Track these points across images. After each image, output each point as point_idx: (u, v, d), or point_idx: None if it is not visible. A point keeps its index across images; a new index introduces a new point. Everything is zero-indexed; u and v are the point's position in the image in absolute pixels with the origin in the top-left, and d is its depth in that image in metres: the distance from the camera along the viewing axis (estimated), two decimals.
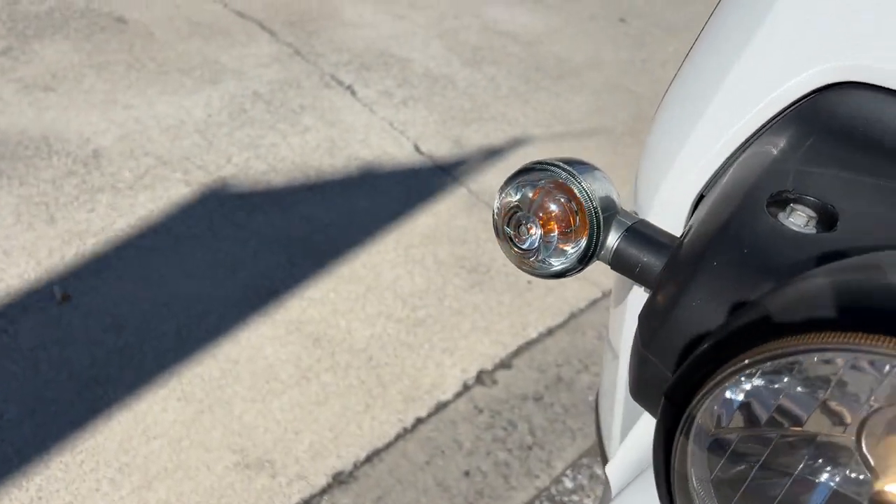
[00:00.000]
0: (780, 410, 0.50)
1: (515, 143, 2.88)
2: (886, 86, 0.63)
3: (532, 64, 3.48)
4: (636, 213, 0.86)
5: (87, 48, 2.72)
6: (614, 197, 0.64)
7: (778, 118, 0.68)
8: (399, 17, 3.58)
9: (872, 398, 0.48)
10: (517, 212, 0.63)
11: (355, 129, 2.66)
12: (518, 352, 2.01)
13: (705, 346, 0.45)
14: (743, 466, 0.52)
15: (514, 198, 0.63)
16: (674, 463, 0.50)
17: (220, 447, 1.62)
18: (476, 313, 2.09)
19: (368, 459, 1.68)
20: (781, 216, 0.56)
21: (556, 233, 0.61)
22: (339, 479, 1.63)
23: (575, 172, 0.62)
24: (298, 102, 2.71)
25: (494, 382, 1.92)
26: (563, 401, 1.93)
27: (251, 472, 1.59)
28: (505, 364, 1.97)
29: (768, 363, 0.44)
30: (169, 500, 1.51)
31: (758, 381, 0.48)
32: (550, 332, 2.09)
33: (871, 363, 0.46)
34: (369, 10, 3.57)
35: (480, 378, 1.92)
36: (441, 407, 1.83)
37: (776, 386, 0.48)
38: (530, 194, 0.63)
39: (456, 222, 2.37)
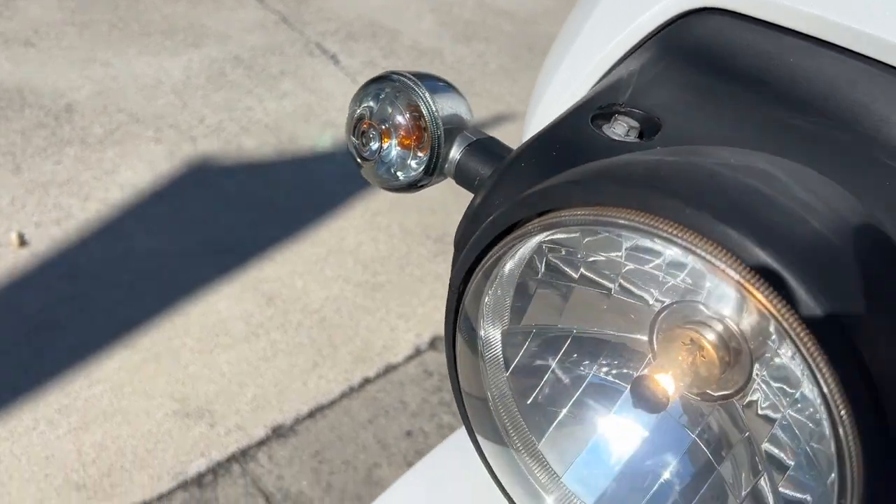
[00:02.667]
0: (572, 296, 0.50)
1: (499, 119, 2.88)
2: (746, 13, 0.63)
3: (524, 42, 3.46)
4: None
5: (72, 6, 2.73)
6: (463, 114, 0.64)
7: (644, 43, 0.68)
8: None
9: (658, 294, 0.47)
10: (362, 120, 0.63)
11: (334, 97, 2.66)
12: None
13: (476, 232, 0.45)
14: (537, 366, 0.52)
15: (362, 108, 0.63)
16: (457, 348, 0.51)
17: (162, 395, 1.63)
18: (437, 282, 2.09)
19: (311, 415, 1.69)
20: (605, 127, 0.56)
21: (392, 143, 0.61)
22: (279, 433, 1.64)
23: (421, 85, 0.62)
24: (279, 69, 2.71)
25: None
26: None
27: (190, 420, 1.60)
28: None
29: (540, 234, 0.43)
30: (104, 442, 1.52)
31: (541, 264, 0.48)
32: None
33: (648, 249, 0.45)
34: None
35: (434, 343, 1.92)
36: (391, 369, 1.83)
37: (564, 265, 0.48)
38: (378, 105, 0.63)
39: (427, 192, 2.36)
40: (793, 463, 0.43)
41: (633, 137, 0.55)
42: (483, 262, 0.45)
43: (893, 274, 0.38)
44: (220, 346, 1.76)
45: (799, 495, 0.43)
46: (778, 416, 0.45)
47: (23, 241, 1.85)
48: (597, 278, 0.47)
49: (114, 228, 1.96)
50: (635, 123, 0.55)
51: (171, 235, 1.98)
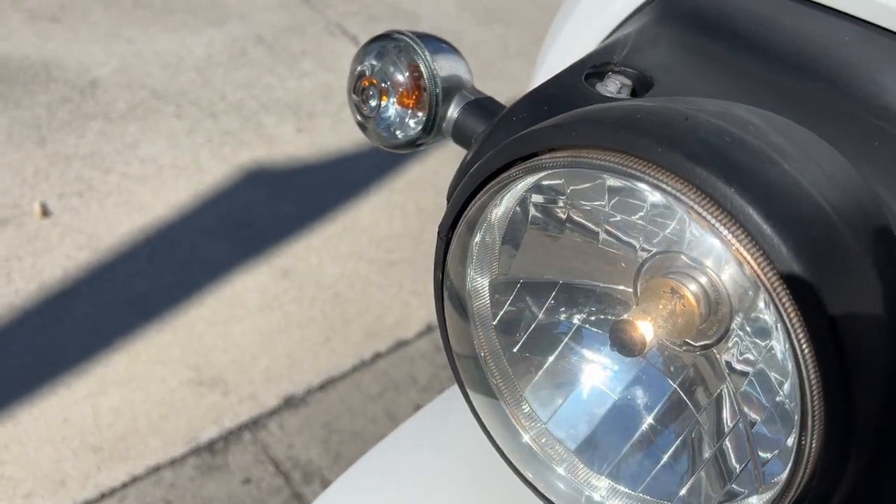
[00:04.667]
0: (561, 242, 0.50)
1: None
2: None
3: (546, 26, 3.45)
4: None
5: None
6: (462, 74, 0.65)
7: (644, 6, 0.68)
8: None
9: (644, 242, 0.48)
10: (363, 77, 0.64)
11: None
12: None
13: (463, 179, 0.47)
14: (524, 316, 0.53)
15: (363, 66, 0.65)
16: (444, 300, 0.52)
17: (177, 363, 1.66)
18: None
19: (322, 387, 1.71)
20: (598, 85, 0.57)
21: (390, 101, 0.63)
22: (291, 403, 1.66)
23: (421, 44, 0.63)
24: (300, 48, 2.73)
25: None
26: None
27: (204, 388, 1.64)
28: None
29: (522, 180, 0.44)
30: (120, 407, 1.56)
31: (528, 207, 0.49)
32: None
33: (633, 199, 0.46)
34: None
35: None
36: (402, 344, 1.85)
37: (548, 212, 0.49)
38: (379, 63, 0.64)
39: (444, 172, 2.38)
40: (768, 405, 0.44)
41: (625, 95, 0.56)
42: (468, 208, 0.47)
43: (864, 219, 0.39)
44: (234, 317, 1.79)
45: (771, 436, 0.44)
46: (754, 364, 0.46)
47: (45, 212, 1.89)
48: (584, 222, 0.48)
49: (134, 201, 2.00)
50: (628, 81, 0.56)
51: (190, 209, 2.01)
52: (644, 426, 0.50)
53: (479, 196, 0.46)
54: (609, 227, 0.48)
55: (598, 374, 0.52)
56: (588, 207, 0.48)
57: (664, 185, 0.36)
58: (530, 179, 0.45)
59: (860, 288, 0.35)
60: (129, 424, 1.55)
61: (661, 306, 0.45)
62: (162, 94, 2.36)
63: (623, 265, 0.50)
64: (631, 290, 0.50)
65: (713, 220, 0.35)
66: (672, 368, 0.50)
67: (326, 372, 1.74)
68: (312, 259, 1.99)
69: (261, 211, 2.07)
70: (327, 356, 1.77)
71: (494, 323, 0.53)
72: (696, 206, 0.36)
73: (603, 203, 0.47)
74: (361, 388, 1.73)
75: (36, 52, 2.39)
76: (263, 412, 1.62)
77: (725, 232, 0.35)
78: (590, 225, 0.49)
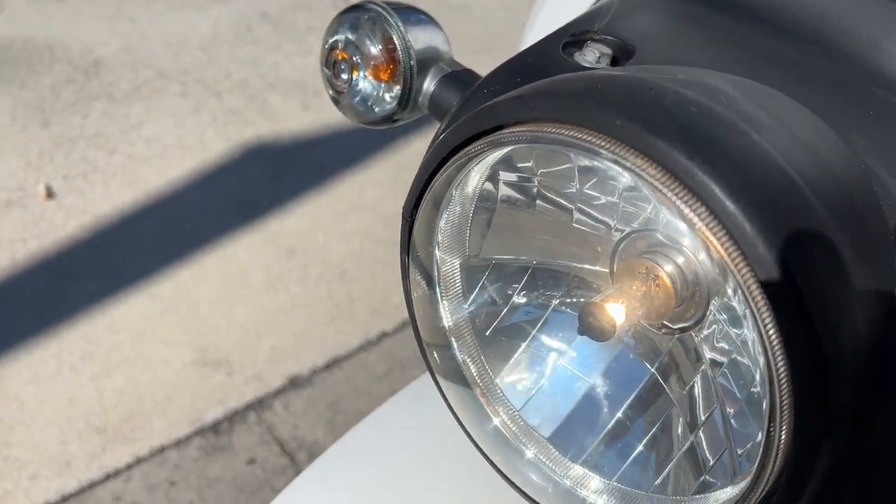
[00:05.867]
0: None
1: None
2: None
3: None
4: None
5: None
6: (439, 45, 0.62)
7: None
8: None
9: (618, 221, 0.46)
10: (334, 50, 0.62)
11: None
12: None
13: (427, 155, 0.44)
14: (496, 299, 0.51)
15: (334, 38, 0.62)
16: (410, 279, 0.50)
17: (181, 344, 1.66)
18: None
19: (327, 367, 1.70)
20: (576, 55, 0.54)
21: (361, 74, 0.60)
22: (296, 383, 1.66)
23: (394, 14, 0.61)
24: (307, 24, 2.70)
25: None
26: None
27: (209, 369, 1.63)
28: None
29: (487, 154, 0.41)
30: (125, 388, 1.56)
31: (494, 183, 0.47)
32: None
33: (605, 180, 0.44)
34: None
35: None
36: (408, 324, 1.83)
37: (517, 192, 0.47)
38: (350, 36, 0.62)
39: None
40: (741, 397, 0.42)
41: (604, 64, 0.53)
42: (432, 183, 0.44)
43: (844, 192, 0.36)
44: (239, 297, 1.79)
45: (744, 428, 0.41)
46: (729, 354, 0.43)
47: (50, 194, 1.89)
48: (557, 199, 0.46)
49: (139, 181, 1.99)
50: (608, 50, 0.53)
51: (194, 188, 2.00)
52: (619, 414, 0.47)
53: (442, 170, 0.43)
54: (582, 206, 0.46)
55: (573, 360, 0.50)
56: (563, 189, 0.45)
57: (624, 161, 0.34)
58: (496, 154, 0.42)
59: (834, 267, 0.33)
60: (134, 405, 1.55)
61: (634, 288, 0.43)
62: (167, 73, 2.34)
63: (598, 246, 0.47)
64: (607, 271, 0.48)
65: (674, 198, 0.33)
66: (649, 354, 0.47)
67: (332, 352, 1.73)
68: (318, 237, 1.97)
69: (266, 189, 2.06)
70: (333, 336, 1.76)
71: (466, 306, 0.51)
72: (656, 183, 0.33)
73: (575, 183, 0.44)
74: (367, 368, 1.72)
75: (39, 32, 2.38)
76: (268, 392, 1.62)
77: (687, 210, 0.33)
78: (563, 202, 0.46)
